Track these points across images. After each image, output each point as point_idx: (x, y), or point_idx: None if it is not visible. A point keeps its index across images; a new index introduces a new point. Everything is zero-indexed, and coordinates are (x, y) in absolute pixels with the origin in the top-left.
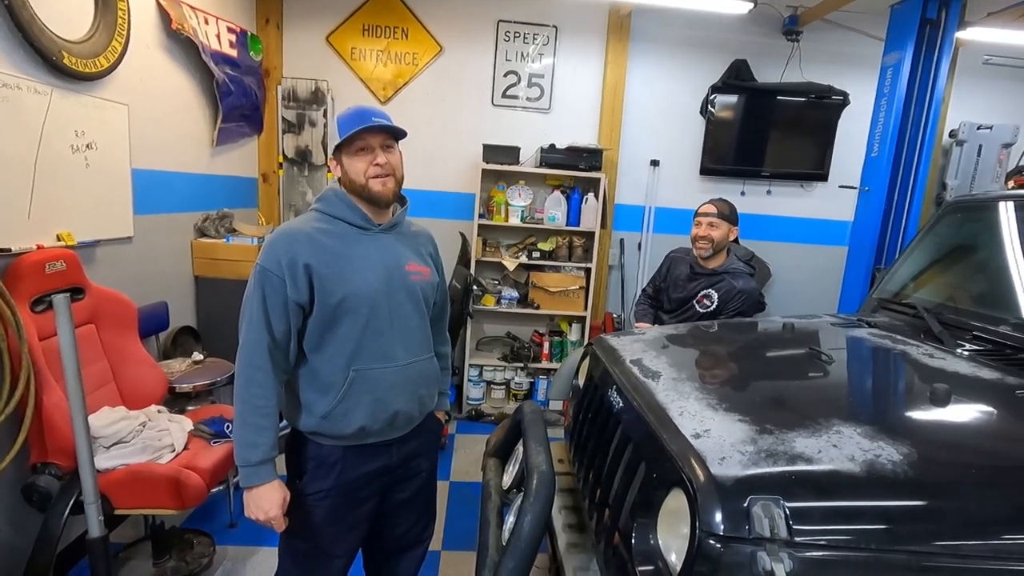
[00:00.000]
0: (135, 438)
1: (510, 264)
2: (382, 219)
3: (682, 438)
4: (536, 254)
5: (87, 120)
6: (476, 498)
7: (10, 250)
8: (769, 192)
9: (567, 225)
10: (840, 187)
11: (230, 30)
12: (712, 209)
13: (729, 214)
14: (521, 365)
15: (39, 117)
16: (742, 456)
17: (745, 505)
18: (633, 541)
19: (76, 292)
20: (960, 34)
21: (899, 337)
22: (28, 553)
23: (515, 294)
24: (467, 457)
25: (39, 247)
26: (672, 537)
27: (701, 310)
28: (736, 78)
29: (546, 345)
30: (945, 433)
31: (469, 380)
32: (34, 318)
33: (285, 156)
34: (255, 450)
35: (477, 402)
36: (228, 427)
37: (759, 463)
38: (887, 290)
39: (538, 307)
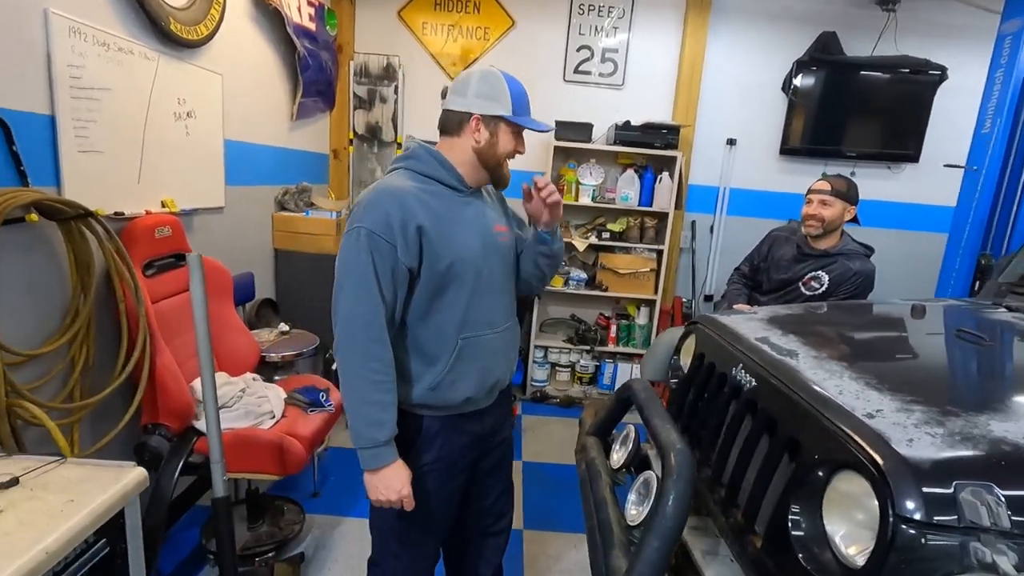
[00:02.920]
0: (237, 403)
1: (580, 245)
2: (473, 183)
3: (853, 417)
4: (606, 235)
5: (188, 88)
6: (552, 479)
7: (123, 214)
8: (853, 174)
9: (639, 205)
10: (945, 166)
11: (310, 3)
12: (826, 186)
13: (846, 192)
14: (587, 348)
15: (148, 83)
16: (932, 438)
17: (950, 491)
18: (793, 527)
19: (179, 258)
20: None
21: None
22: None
23: (583, 275)
24: (536, 438)
25: (147, 212)
26: (841, 522)
27: (808, 292)
28: (823, 52)
29: (613, 328)
30: None
31: (534, 362)
32: (145, 282)
33: (355, 132)
34: (382, 428)
35: (542, 384)
36: (323, 396)
37: (956, 446)
38: (1016, 275)
39: (606, 289)
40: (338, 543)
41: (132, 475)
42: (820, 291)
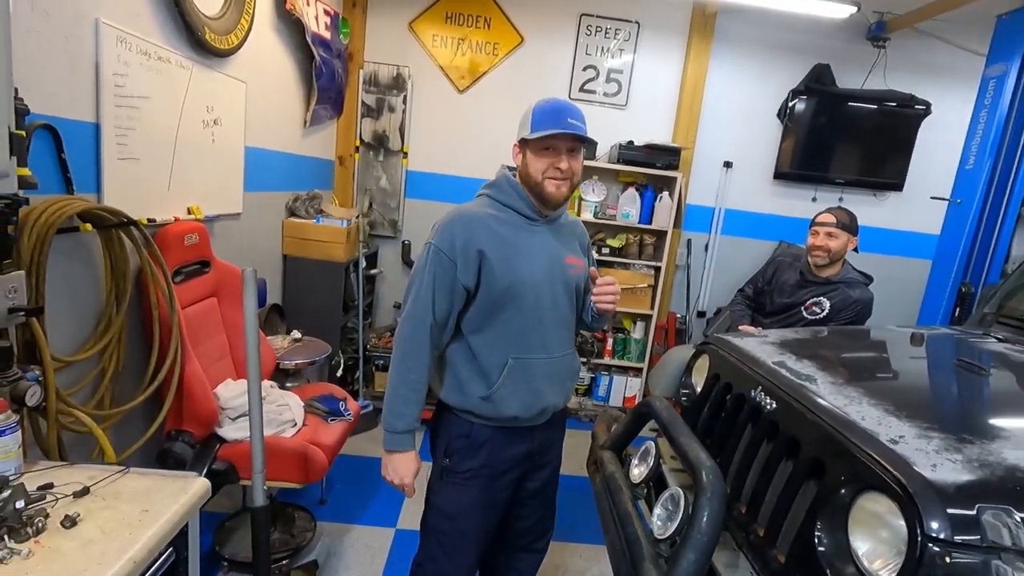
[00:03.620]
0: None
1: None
2: (549, 212)
3: (879, 443)
4: (606, 250)
5: (216, 96)
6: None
7: (155, 220)
8: (841, 199)
9: (640, 223)
10: (932, 198)
11: (326, 12)
12: (831, 219)
13: (849, 224)
14: (584, 360)
15: (182, 91)
16: (953, 464)
17: (973, 512)
18: (817, 543)
19: (204, 265)
20: None
21: None
22: None
23: None
24: None
25: (176, 219)
26: (866, 539)
27: (809, 317)
28: (817, 82)
29: (610, 341)
30: None
31: None
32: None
33: (362, 140)
34: (401, 419)
35: None
36: (342, 406)
37: (975, 472)
38: (999, 304)
39: None
40: (348, 551)
41: (197, 485)
42: (821, 316)
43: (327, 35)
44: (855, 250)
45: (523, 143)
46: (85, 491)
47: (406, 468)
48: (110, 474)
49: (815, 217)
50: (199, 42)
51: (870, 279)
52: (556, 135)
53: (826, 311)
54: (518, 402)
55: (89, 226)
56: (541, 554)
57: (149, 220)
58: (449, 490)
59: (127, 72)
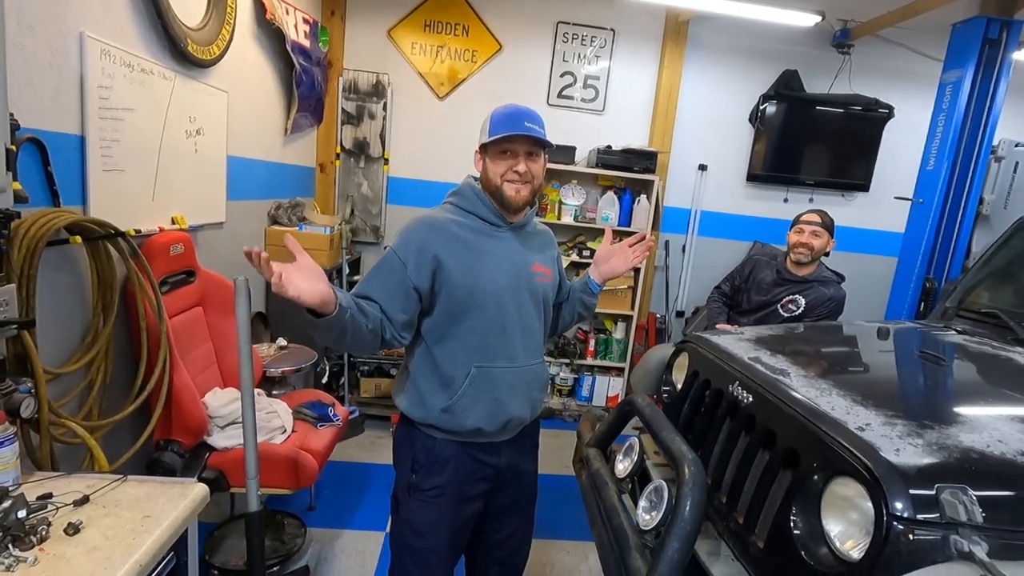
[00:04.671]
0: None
1: (563, 262)
2: (515, 218)
3: (847, 430)
4: (586, 252)
5: (198, 107)
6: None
7: (141, 231)
8: (811, 200)
9: (618, 225)
10: (896, 198)
11: (305, 21)
12: (817, 218)
13: (830, 225)
14: (567, 361)
15: (165, 102)
16: (915, 448)
17: (932, 492)
18: (793, 527)
19: (189, 275)
20: (1018, 54)
21: (995, 343)
22: None
23: None
24: None
25: (161, 229)
26: (837, 522)
27: (785, 314)
28: (786, 88)
29: (592, 342)
30: None
31: None
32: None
33: (343, 147)
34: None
35: None
36: (331, 411)
37: (934, 454)
38: (959, 299)
39: None
40: (339, 555)
41: (196, 491)
42: (796, 313)
43: (307, 43)
44: (827, 253)
45: (483, 149)
46: (85, 500)
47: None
48: (108, 482)
49: (799, 216)
50: (182, 53)
51: (842, 278)
52: (513, 138)
53: (801, 308)
54: (480, 412)
55: (79, 238)
56: (518, 568)
57: (135, 231)
58: (416, 507)
59: (111, 84)
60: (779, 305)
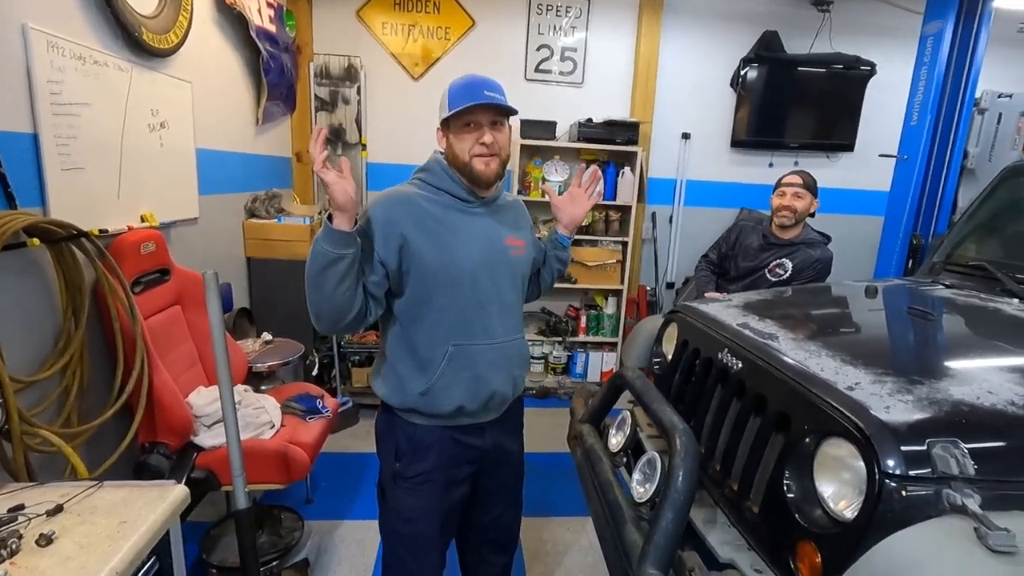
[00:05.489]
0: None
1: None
2: (486, 193)
3: (836, 391)
4: None
5: (160, 98)
6: (535, 467)
7: (108, 231)
8: (796, 163)
9: (604, 199)
10: (880, 155)
11: (269, 4)
12: (798, 180)
13: (812, 185)
14: (559, 339)
15: (123, 95)
16: (905, 405)
17: (924, 448)
18: (787, 490)
19: (164, 273)
20: (997, 3)
21: (982, 295)
22: None
23: None
24: None
25: (129, 228)
26: (830, 483)
27: (773, 279)
28: (766, 49)
29: (583, 319)
30: None
31: None
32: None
33: None
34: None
35: None
36: (319, 403)
37: (925, 410)
38: (946, 253)
39: (575, 281)
40: (339, 547)
41: (175, 493)
42: (784, 277)
43: (272, 28)
44: (812, 214)
45: (444, 125)
46: (59, 509)
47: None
48: (83, 489)
49: (781, 179)
50: (136, 43)
51: (828, 238)
52: (474, 109)
53: (789, 272)
54: (460, 391)
55: (37, 241)
56: (510, 555)
57: (101, 231)
58: (403, 494)
59: (62, 79)
60: (766, 270)
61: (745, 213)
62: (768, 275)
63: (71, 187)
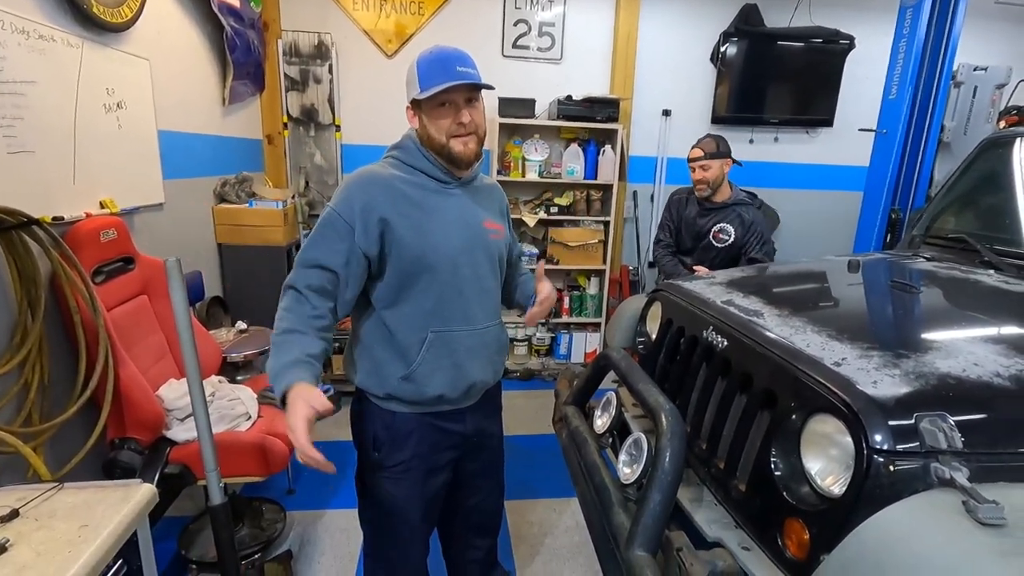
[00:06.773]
0: (209, 409)
1: (530, 220)
2: (464, 173)
3: (823, 367)
4: (554, 209)
5: (115, 77)
6: (522, 450)
7: (63, 218)
8: (776, 139)
9: (585, 178)
10: (860, 130)
11: None
12: (699, 152)
13: (716, 150)
14: (542, 321)
15: (73, 73)
16: (892, 379)
17: (912, 422)
18: (774, 468)
19: (127, 262)
20: None
21: (963, 267)
22: None
23: (535, 250)
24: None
25: (87, 215)
26: (817, 459)
27: (719, 244)
28: (746, 23)
29: (566, 300)
30: None
31: None
32: (97, 290)
33: (289, 115)
34: (285, 355)
35: None
36: None
37: (912, 384)
38: (925, 227)
39: (558, 262)
40: (323, 536)
41: (141, 492)
42: (729, 242)
43: (235, 3)
44: (739, 164)
45: (415, 104)
46: (14, 514)
47: (292, 413)
48: (41, 492)
49: (688, 155)
50: (86, 16)
51: (755, 197)
52: (450, 88)
53: (732, 236)
54: (442, 379)
55: None
56: (494, 537)
57: (55, 218)
58: (384, 484)
59: (4, 55)
60: (711, 236)
61: (675, 189)
62: (714, 241)
63: (18, 172)
